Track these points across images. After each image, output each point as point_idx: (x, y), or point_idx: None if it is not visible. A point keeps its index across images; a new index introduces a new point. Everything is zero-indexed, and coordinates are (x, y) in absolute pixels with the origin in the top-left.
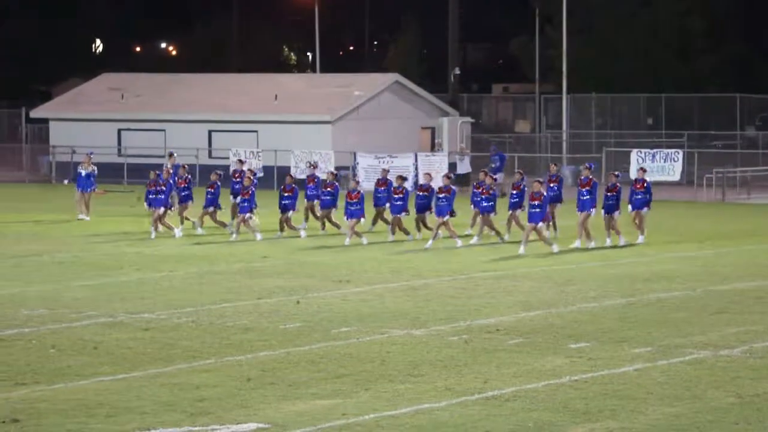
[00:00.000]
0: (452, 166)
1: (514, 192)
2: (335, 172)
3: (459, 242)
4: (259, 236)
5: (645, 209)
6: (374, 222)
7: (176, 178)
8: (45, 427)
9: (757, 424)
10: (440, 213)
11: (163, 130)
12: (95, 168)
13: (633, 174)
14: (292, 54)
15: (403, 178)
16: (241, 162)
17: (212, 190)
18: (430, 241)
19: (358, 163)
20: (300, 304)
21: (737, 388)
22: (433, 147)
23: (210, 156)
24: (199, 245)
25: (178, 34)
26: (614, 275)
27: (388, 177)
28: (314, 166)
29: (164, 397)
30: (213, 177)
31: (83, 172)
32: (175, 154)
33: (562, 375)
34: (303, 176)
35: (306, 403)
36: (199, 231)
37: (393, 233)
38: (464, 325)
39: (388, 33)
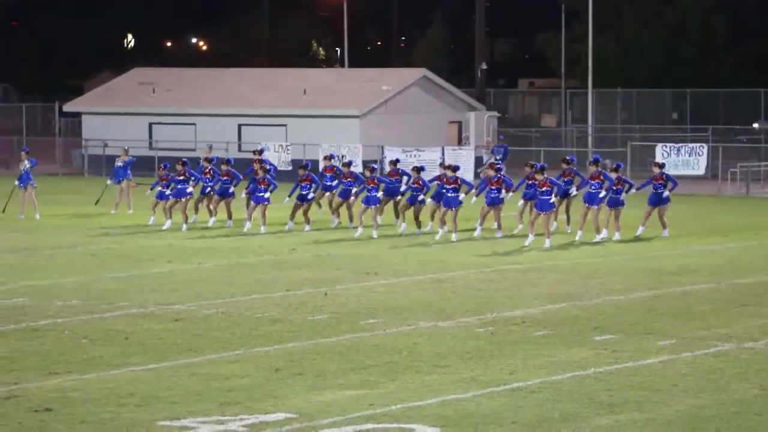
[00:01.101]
0: (479, 160)
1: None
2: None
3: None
4: (262, 229)
5: (667, 203)
6: (396, 215)
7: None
8: (77, 416)
9: None
10: (452, 204)
11: (194, 124)
12: (133, 158)
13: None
14: (320, 49)
15: (419, 169)
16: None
17: (227, 179)
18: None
19: (385, 157)
20: (328, 296)
21: (761, 380)
22: (460, 141)
23: (240, 150)
24: (228, 237)
25: (208, 29)
26: (639, 268)
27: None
28: (348, 164)
29: (194, 387)
30: (224, 167)
31: (120, 164)
32: (212, 146)
33: (588, 367)
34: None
35: (333, 393)
36: (248, 226)
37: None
38: (490, 317)
39: (415, 28)
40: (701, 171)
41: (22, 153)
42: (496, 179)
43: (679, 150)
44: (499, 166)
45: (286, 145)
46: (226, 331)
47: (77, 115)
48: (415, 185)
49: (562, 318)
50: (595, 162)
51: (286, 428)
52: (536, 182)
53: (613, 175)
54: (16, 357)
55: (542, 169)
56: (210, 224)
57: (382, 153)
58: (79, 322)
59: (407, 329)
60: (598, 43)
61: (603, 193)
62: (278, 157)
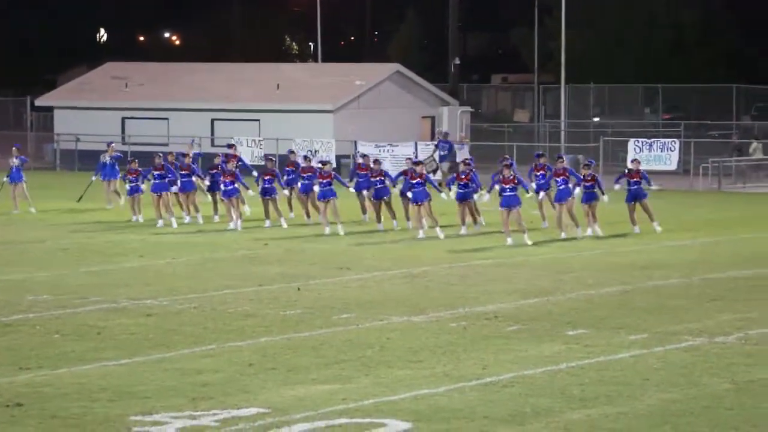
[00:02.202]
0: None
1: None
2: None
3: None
4: (236, 224)
5: (645, 198)
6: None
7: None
8: (48, 411)
9: (751, 410)
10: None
11: (167, 119)
12: (120, 153)
13: (629, 164)
14: (293, 44)
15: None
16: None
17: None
18: (439, 231)
19: (358, 152)
20: (301, 291)
21: (732, 374)
22: (433, 136)
23: (213, 144)
24: (202, 233)
25: (182, 23)
26: (612, 263)
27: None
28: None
29: (166, 381)
30: (170, 158)
31: (107, 161)
32: (195, 142)
33: (560, 361)
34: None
35: (306, 388)
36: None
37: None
38: (463, 312)
39: (389, 23)
40: (673, 166)
41: (14, 149)
42: (465, 175)
43: (651, 145)
44: (469, 159)
45: (259, 140)
46: (199, 326)
47: (50, 110)
48: (378, 178)
49: (535, 313)
50: (559, 158)
51: (259, 423)
52: (502, 177)
53: (585, 172)
54: None
55: (509, 165)
56: (187, 221)
57: (356, 148)
58: (51, 317)
59: (380, 324)
60: (570, 39)
61: (576, 190)
62: (251, 152)
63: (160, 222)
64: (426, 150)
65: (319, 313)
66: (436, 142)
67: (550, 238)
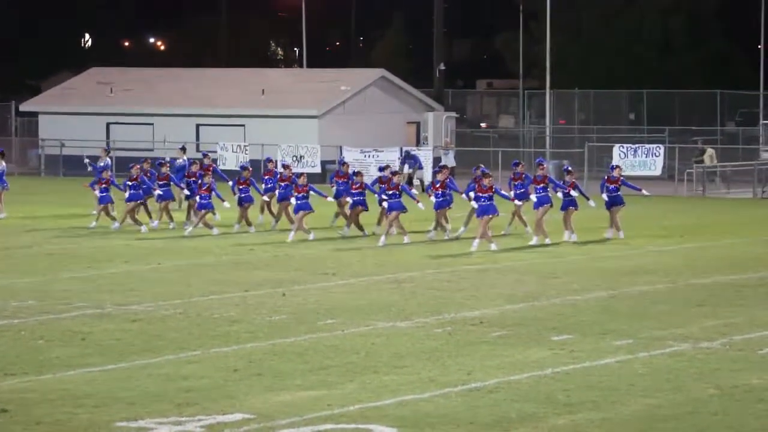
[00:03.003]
0: (437, 161)
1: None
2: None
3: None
4: (215, 231)
5: (621, 206)
6: (337, 216)
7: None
8: (33, 417)
9: (735, 415)
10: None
11: (152, 124)
12: (108, 161)
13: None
14: (279, 49)
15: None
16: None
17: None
18: (432, 232)
19: (344, 158)
20: (286, 297)
21: (717, 379)
22: (419, 141)
23: (198, 150)
24: (187, 238)
25: (167, 28)
26: (597, 268)
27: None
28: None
29: (151, 387)
30: (146, 166)
31: (102, 164)
32: (185, 149)
33: (545, 367)
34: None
35: (292, 394)
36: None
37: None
38: (448, 317)
39: (374, 29)
40: (658, 172)
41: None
42: (439, 183)
43: (636, 151)
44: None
45: (245, 146)
46: (184, 332)
47: (34, 115)
48: (358, 190)
49: (520, 318)
50: (539, 164)
51: (244, 429)
52: (477, 186)
53: (567, 178)
54: None
55: (486, 174)
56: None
57: (341, 153)
58: (36, 323)
59: (365, 330)
60: (555, 45)
61: (559, 194)
62: (236, 158)
63: (143, 227)
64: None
65: (305, 318)
66: (401, 158)
67: (525, 244)
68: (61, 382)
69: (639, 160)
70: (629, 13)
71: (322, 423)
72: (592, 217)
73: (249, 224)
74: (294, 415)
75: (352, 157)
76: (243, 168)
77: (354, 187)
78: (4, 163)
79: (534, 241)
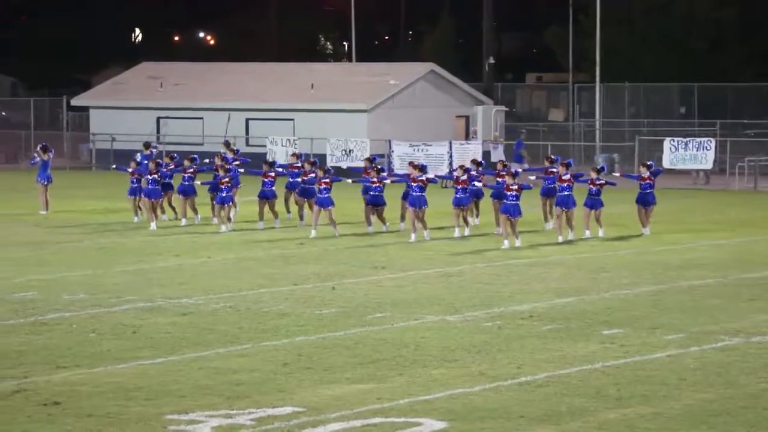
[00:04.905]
0: (486, 155)
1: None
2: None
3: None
4: (225, 228)
5: (652, 205)
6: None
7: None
8: (85, 410)
9: None
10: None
11: (201, 118)
12: (152, 152)
13: (666, 164)
14: (328, 43)
15: (379, 169)
16: (296, 156)
17: (189, 176)
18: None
19: (393, 152)
20: (335, 290)
21: None
22: (468, 135)
23: (247, 144)
24: (236, 232)
25: (216, 23)
26: (647, 263)
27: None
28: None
29: (202, 380)
30: (186, 162)
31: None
32: (230, 143)
33: (595, 361)
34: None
35: (341, 387)
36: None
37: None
38: (498, 311)
39: (423, 22)
40: (709, 165)
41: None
42: (462, 179)
43: (687, 144)
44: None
45: (294, 140)
46: (234, 325)
47: (85, 110)
48: (379, 185)
49: (570, 312)
50: (567, 164)
51: (294, 422)
52: (504, 180)
53: (594, 175)
54: (25, 351)
55: (513, 173)
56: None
57: (390, 147)
58: (87, 316)
59: (415, 323)
60: (605, 38)
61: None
62: (285, 152)
63: (184, 220)
64: (460, 149)
65: (354, 312)
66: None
67: (576, 238)
68: (112, 375)
69: (690, 153)
70: (680, 5)
71: (372, 416)
72: (618, 215)
73: (276, 216)
74: (344, 408)
75: (401, 151)
76: (265, 162)
77: (373, 182)
78: (45, 157)
79: (570, 236)
